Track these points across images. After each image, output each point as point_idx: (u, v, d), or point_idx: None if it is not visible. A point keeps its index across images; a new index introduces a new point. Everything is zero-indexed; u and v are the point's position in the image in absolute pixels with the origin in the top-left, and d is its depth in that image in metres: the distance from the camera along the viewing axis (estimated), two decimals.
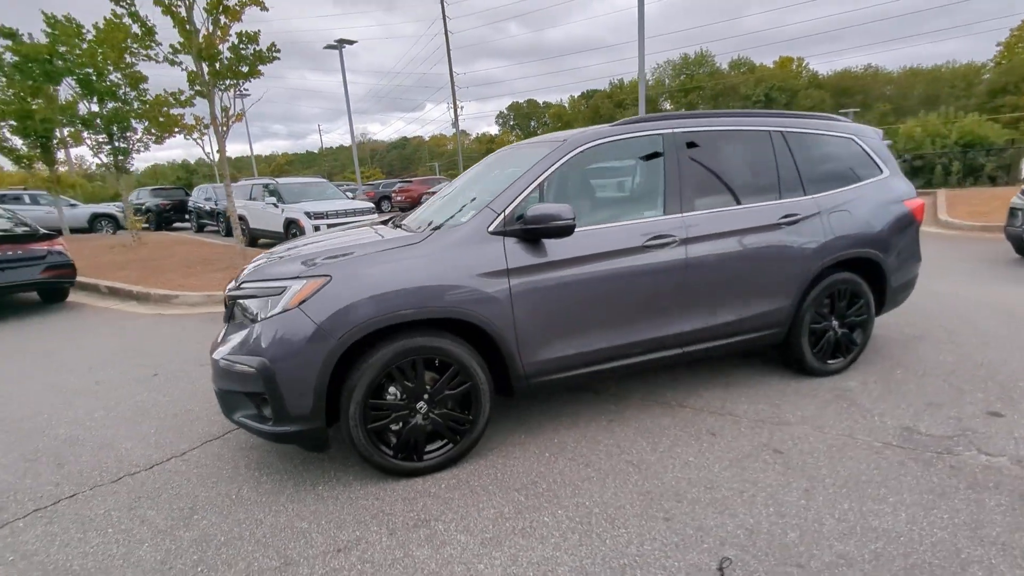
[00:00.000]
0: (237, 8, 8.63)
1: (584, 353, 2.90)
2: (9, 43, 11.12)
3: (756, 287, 3.26)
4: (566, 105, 74.76)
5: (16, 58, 10.99)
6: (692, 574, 1.96)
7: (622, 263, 2.90)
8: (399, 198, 22.43)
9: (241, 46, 8.30)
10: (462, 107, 38.43)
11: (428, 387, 2.63)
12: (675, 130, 3.16)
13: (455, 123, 39.04)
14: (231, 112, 8.64)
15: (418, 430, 2.65)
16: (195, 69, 8.22)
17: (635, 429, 3.06)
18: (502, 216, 2.72)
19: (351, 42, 21.64)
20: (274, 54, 8.61)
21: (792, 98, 47.32)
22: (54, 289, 7.41)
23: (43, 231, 7.52)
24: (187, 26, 7.99)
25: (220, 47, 8.14)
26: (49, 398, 4.04)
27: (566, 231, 2.65)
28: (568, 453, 2.85)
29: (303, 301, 2.43)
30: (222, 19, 8.27)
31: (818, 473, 2.55)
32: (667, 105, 56.03)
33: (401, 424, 2.62)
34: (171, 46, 8.14)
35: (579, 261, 2.81)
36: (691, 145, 3.17)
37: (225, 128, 8.53)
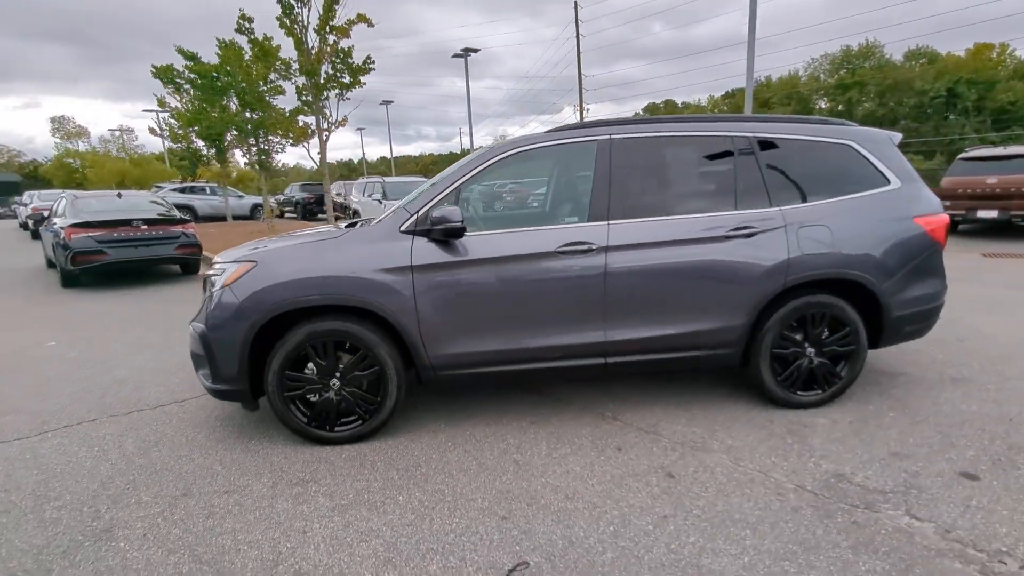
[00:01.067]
0: (345, 26, 9.79)
1: (494, 352, 3.00)
2: (191, 64, 13.76)
3: (696, 302, 3.06)
4: (706, 104, 70.66)
5: (194, 76, 13.59)
6: (483, 569, 2.02)
7: (533, 267, 2.94)
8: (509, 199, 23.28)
9: (338, 61, 9.41)
10: (588, 109, 38.33)
11: (341, 367, 2.95)
12: (612, 137, 3.09)
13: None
14: (333, 120, 9.86)
15: (330, 404, 2.97)
16: (304, 83, 9.52)
17: (549, 433, 3.08)
18: (415, 217, 2.93)
19: (475, 50, 22.90)
20: (369, 66, 9.61)
21: (987, 92, 39.56)
22: (186, 263, 9.12)
23: (179, 216, 9.27)
24: (302, 45, 9.28)
25: (325, 63, 9.33)
26: (129, 347, 5.11)
27: (454, 233, 2.79)
28: (467, 445, 2.97)
29: (233, 282, 2.89)
30: (330, 37, 9.43)
31: (691, 503, 2.38)
32: (822, 104, 50.28)
33: (317, 396, 2.97)
34: (282, 62, 9.54)
35: (488, 262, 2.92)
36: (628, 153, 3.08)
37: (327, 134, 9.77)
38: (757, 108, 56.27)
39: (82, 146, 53.23)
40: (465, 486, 2.58)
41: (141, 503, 2.51)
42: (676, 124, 3.20)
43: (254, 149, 14.13)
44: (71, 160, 43.09)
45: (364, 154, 53.28)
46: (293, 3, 8.70)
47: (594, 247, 2.94)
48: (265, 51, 9.76)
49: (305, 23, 9.13)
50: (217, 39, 13.86)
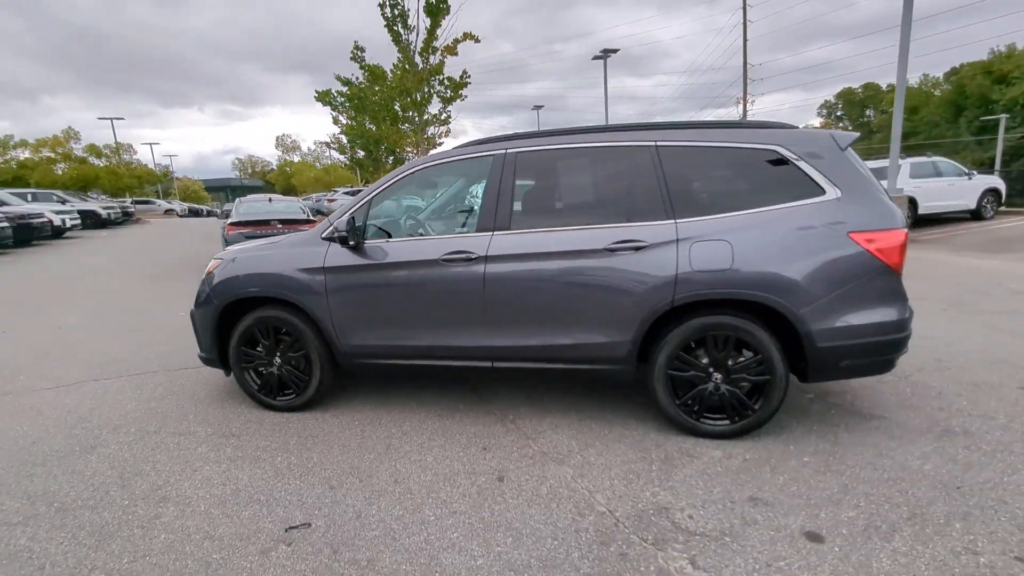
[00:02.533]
0: (452, 44, 10.75)
1: (391, 346, 3.35)
2: (345, 89, 16.20)
3: (579, 315, 3.02)
4: (916, 85, 59.14)
5: (345, 98, 16.00)
6: (276, 522, 2.42)
7: (422, 273, 3.21)
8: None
9: (438, 80, 10.40)
10: (753, 100, 35.17)
11: (281, 348, 3.58)
12: (507, 151, 3.20)
13: (743, 119, 36.33)
14: (434, 132, 10.92)
15: (273, 377, 3.61)
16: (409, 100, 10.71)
17: (441, 426, 3.32)
18: (332, 226, 3.41)
19: (614, 51, 22.67)
20: (466, 80, 10.43)
21: None
22: None
23: (309, 217, 11.08)
24: (407, 66, 10.47)
25: (424, 84, 10.39)
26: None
27: (343, 241, 3.20)
28: (367, 426, 3.36)
29: (209, 273, 3.68)
30: (435, 57, 10.47)
31: (489, 506, 2.48)
32: None
33: (265, 370, 3.64)
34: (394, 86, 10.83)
35: (385, 267, 3.27)
36: (521, 166, 3.16)
37: (431, 145, 10.85)
38: (985, 88, 45.14)
39: (296, 157, 65.06)
40: (330, 458, 2.99)
41: (121, 431, 3.41)
42: (572, 136, 3.17)
43: (391, 159, 16.08)
44: (287, 169, 53.02)
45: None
46: (400, 31, 9.89)
47: (474, 256, 3.11)
48: (375, 76, 11.20)
49: (414, 47, 10.30)
50: (368, 66, 16.06)
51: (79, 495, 2.67)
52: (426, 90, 10.60)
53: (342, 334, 3.39)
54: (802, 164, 2.84)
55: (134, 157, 49.94)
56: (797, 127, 3.05)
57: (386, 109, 14.93)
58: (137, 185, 46.20)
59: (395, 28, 10.23)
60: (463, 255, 3.13)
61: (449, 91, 10.88)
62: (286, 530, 2.37)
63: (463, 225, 3.50)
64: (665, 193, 2.95)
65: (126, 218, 28.08)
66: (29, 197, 23.00)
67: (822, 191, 2.81)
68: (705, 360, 2.94)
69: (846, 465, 2.68)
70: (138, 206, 36.89)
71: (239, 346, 3.61)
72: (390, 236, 3.44)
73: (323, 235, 3.43)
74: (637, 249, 2.91)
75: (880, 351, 2.82)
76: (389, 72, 11.63)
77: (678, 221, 2.91)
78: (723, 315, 2.86)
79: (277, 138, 76.14)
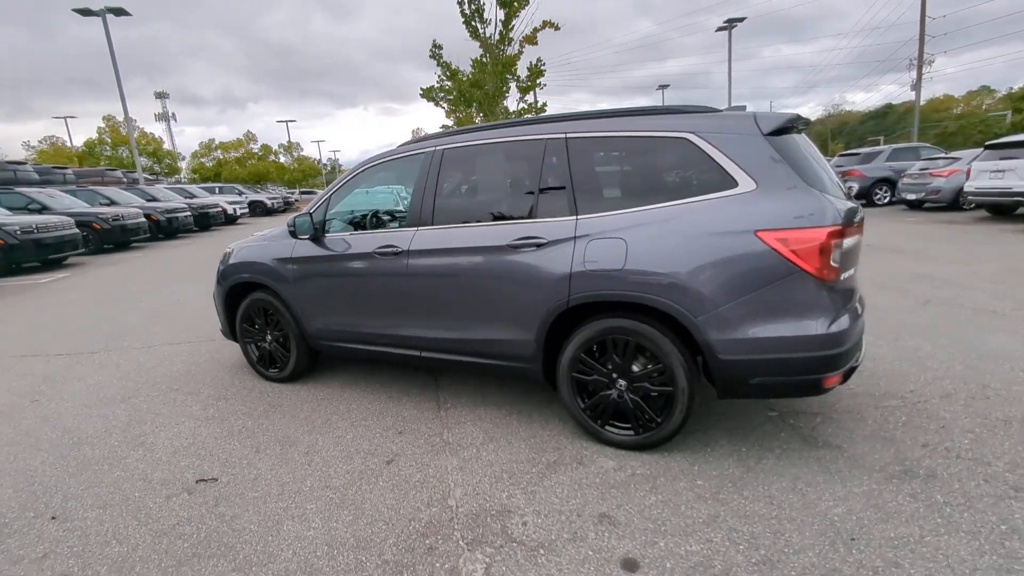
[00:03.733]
0: (532, 34, 10.76)
1: (341, 332, 3.66)
2: (447, 79, 16.98)
3: (486, 311, 3.02)
4: None
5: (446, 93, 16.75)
6: (192, 471, 2.87)
7: (361, 265, 3.44)
8: None
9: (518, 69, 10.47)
10: (930, 62, 29.41)
11: (269, 327, 4.09)
12: (436, 148, 3.25)
13: (916, 84, 30.60)
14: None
15: (266, 352, 4.16)
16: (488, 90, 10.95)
17: (381, 407, 3.55)
18: (291, 219, 3.79)
19: (740, 19, 20.63)
20: (540, 67, 10.38)
21: None
22: None
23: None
24: (484, 59, 10.71)
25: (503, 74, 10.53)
26: None
27: (293, 235, 3.54)
28: (326, 402, 3.72)
29: (221, 260, 4.32)
30: (511, 48, 10.58)
31: (352, 487, 2.66)
32: None
33: (262, 344, 4.20)
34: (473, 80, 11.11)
35: (336, 259, 3.57)
36: (448, 163, 3.20)
37: None
38: None
39: None
40: (276, 425, 3.39)
41: (155, 387, 4.19)
42: (494, 131, 3.12)
43: None
44: None
45: None
46: (477, 25, 10.13)
47: (399, 250, 3.26)
48: (453, 73, 11.56)
49: (492, 40, 10.51)
50: (439, 62, 16.47)
51: (92, 434, 3.41)
52: (500, 83, 10.77)
53: (305, 318, 3.79)
54: (714, 153, 2.51)
55: (301, 153, 57.88)
56: (719, 110, 2.68)
57: (486, 100, 15.40)
58: (302, 178, 53.55)
59: (472, 23, 10.54)
60: (392, 249, 3.30)
61: (527, 80, 10.93)
62: (196, 481, 2.80)
63: (398, 220, 3.67)
64: (571, 188, 2.81)
65: (287, 207, 32.67)
66: (216, 190, 27.78)
67: (734, 183, 2.46)
68: (609, 365, 2.77)
69: (739, 495, 2.38)
70: (303, 195, 42.58)
71: (241, 323, 4.21)
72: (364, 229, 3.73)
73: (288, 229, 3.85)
74: (539, 246, 2.83)
75: (800, 370, 2.41)
76: (469, 68, 11.98)
77: (579, 217, 2.76)
78: (622, 319, 2.67)
79: (412, 131, 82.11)
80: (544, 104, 15.09)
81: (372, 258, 3.39)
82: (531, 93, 11.45)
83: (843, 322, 2.38)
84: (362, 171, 3.65)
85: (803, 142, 2.64)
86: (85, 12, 19.77)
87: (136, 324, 6.23)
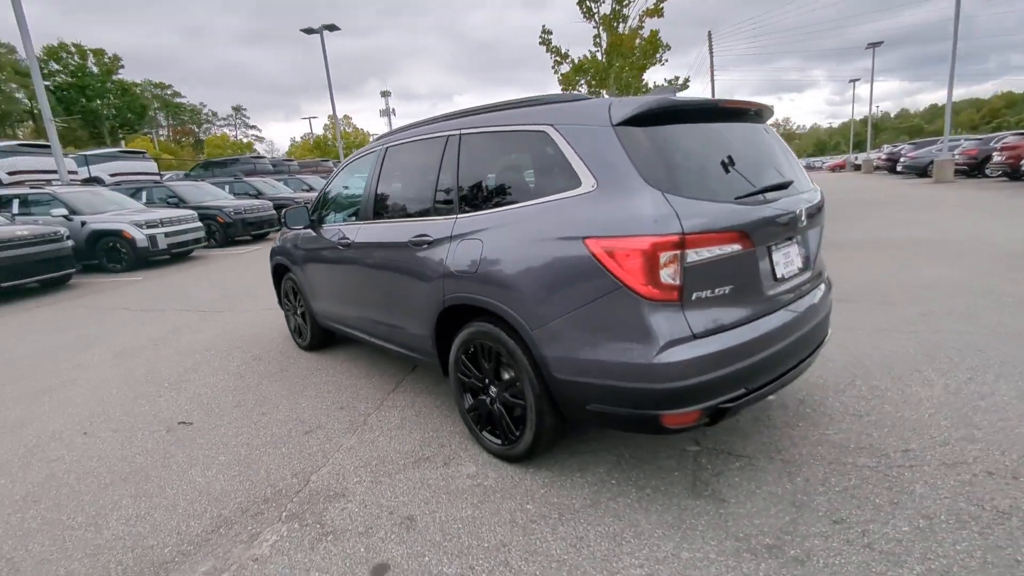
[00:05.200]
0: (655, 7, 10.00)
1: (327, 312, 4.10)
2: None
3: (398, 305, 3.14)
4: None
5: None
6: (177, 415, 3.59)
7: (332, 255, 3.81)
8: (1000, 158, 15.50)
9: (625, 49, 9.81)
10: None
11: (297, 303, 4.76)
12: (384, 145, 3.40)
13: None
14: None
15: (298, 324, 4.86)
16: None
17: (347, 387, 3.91)
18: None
19: None
20: (659, 41, 9.55)
21: None
22: None
23: None
24: (598, 40, 10.24)
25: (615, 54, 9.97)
26: None
27: (284, 225, 4.02)
28: (325, 372, 4.24)
29: (273, 241, 5.12)
30: (625, 26, 9.97)
31: (254, 440, 3.05)
32: None
33: (293, 317, 4.91)
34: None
35: (319, 248, 4.00)
36: (389, 160, 3.34)
37: None
38: None
39: None
40: (267, 386, 4.00)
41: (226, 343, 5.20)
42: (421, 128, 3.13)
43: None
44: None
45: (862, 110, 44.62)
46: (591, 5, 9.66)
47: (348, 242, 3.53)
48: (562, 57, 11.09)
49: (600, 18, 9.96)
50: (548, 48, 15.73)
51: (156, 376, 4.44)
52: (629, 61, 10.09)
53: (311, 298, 4.34)
54: (565, 147, 2.23)
55: None
56: (588, 98, 2.32)
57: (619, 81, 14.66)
58: None
59: (586, 3, 10.03)
60: (345, 240, 3.60)
61: (642, 58, 10.03)
62: (179, 423, 3.51)
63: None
64: (456, 186, 2.75)
65: None
66: None
67: (578, 182, 2.16)
68: (483, 371, 2.68)
69: (552, 530, 2.15)
70: None
71: (283, 297, 4.97)
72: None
73: None
74: (429, 244, 2.84)
75: (631, 402, 2.05)
76: (587, 52, 11.37)
77: (458, 217, 2.69)
78: (487, 324, 2.55)
79: None
80: (687, 79, 13.74)
81: (337, 248, 3.74)
82: (655, 67, 10.62)
83: (680, 352, 1.95)
84: (345, 168, 4.00)
85: (676, 133, 2.17)
86: (308, 31, 24.01)
87: (240, 293, 7.62)
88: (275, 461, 2.90)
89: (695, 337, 1.98)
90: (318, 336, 4.61)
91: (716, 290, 2.04)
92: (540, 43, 10.88)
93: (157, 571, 2.12)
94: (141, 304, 7.36)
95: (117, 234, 10.27)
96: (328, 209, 4.12)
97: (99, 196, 11.55)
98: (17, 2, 12.07)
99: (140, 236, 10.28)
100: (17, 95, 46.01)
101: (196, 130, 74.64)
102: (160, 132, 71.05)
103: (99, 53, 54.91)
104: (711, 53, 27.99)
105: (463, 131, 2.79)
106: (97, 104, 54.42)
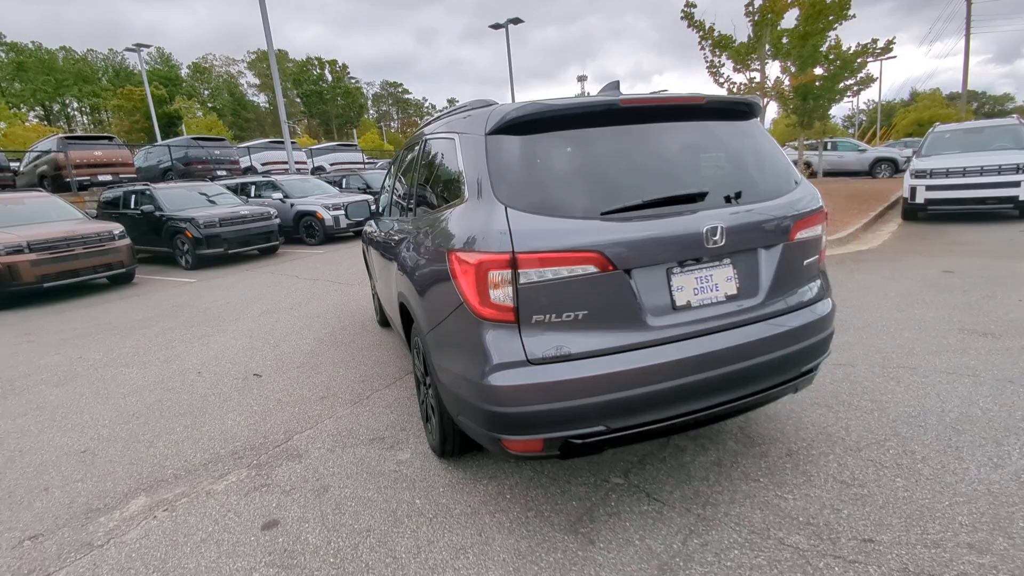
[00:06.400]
0: None
1: (378, 295, 4.60)
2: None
3: (387, 296, 3.42)
4: None
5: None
6: (256, 365, 4.45)
7: (374, 242, 4.25)
8: None
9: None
10: None
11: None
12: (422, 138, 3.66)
13: None
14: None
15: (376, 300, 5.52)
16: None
17: (378, 360, 4.37)
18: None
19: None
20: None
21: None
22: None
23: None
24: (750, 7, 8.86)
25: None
26: None
27: (348, 217, 4.55)
28: (372, 347, 4.80)
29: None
30: None
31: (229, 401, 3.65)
32: None
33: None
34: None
35: (371, 238, 4.48)
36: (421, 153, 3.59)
37: (773, 92, 8.97)
38: None
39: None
40: (330, 354, 4.69)
41: (337, 316, 6.16)
42: (427, 125, 3.25)
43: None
44: None
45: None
46: None
47: (372, 233, 3.92)
48: (707, 33, 9.50)
49: None
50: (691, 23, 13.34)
51: (272, 335, 5.51)
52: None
53: (373, 280, 4.91)
54: (459, 156, 2.21)
55: None
56: (494, 103, 2.20)
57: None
58: None
59: None
60: (373, 231, 4.01)
61: (811, 22, 8.09)
62: (253, 374, 4.37)
63: None
64: (415, 186, 2.90)
65: None
66: None
67: (463, 191, 2.14)
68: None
69: (394, 529, 2.23)
70: None
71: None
72: None
73: None
74: (396, 243, 3.07)
75: (478, 420, 1.99)
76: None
77: (411, 217, 2.86)
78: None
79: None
80: (892, 39, 10.87)
81: (372, 238, 4.18)
82: (838, 28, 8.66)
83: (513, 376, 1.84)
84: (388, 163, 4.40)
85: (553, 141, 1.97)
86: (496, 26, 25.59)
87: (355, 273, 8.70)
88: (282, 418, 3.48)
89: (530, 363, 1.86)
90: (380, 312, 5.19)
91: (563, 315, 1.86)
92: (682, 18, 9.67)
93: (156, 485, 2.80)
94: (305, 273, 9.02)
95: (312, 214, 12.59)
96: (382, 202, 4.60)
97: (307, 183, 14.24)
98: (268, 36, 15.36)
99: (328, 217, 12.44)
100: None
101: (419, 122, 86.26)
102: (391, 124, 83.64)
103: (332, 63, 66.65)
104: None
105: (427, 135, 2.92)
106: (329, 106, 66.01)
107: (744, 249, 2.08)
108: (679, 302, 1.98)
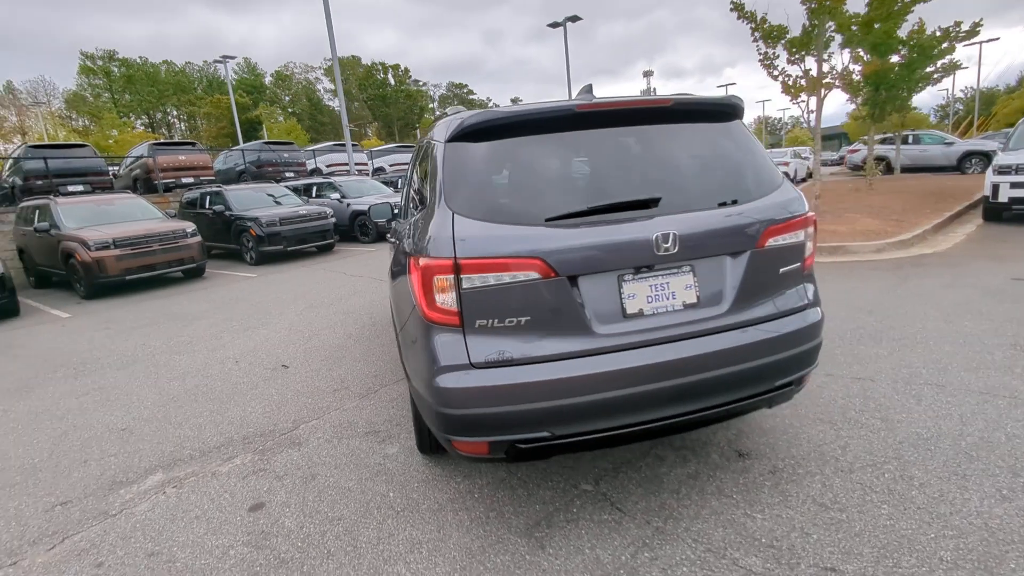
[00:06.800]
0: None
1: None
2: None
3: None
4: None
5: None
6: (228, 358, 4.75)
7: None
8: None
9: None
10: None
11: None
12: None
13: None
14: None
15: None
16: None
17: (380, 360, 4.52)
18: None
19: None
20: None
21: None
22: None
23: None
24: None
25: None
26: None
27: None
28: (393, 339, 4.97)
29: None
30: None
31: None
32: None
33: None
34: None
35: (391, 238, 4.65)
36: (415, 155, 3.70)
37: (828, 88, 8.32)
38: None
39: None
40: (358, 347, 4.92)
41: (369, 311, 6.43)
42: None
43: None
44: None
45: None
46: None
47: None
48: (757, 24, 8.77)
49: None
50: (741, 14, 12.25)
51: (309, 329, 5.84)
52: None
53: None
54: (434, 161, 2.27)
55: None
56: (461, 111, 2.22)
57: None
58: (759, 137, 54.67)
59: None
60: (390, 233, 4.16)
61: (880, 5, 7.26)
62: (282, 365, 4.67)
63: None
64: (417, 186, 3.00)
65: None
66: None
67: (429, 199, 2.20)
68: None
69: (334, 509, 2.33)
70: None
71: None
72: None
73: None
74: (398, 240, 3.17)
75: (432, 421, 2.05)
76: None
77: (408, 217, 2.94)
78: None
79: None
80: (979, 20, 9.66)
81: (390, 242, 4.33)
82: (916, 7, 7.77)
83: (457, 379, 1.88)
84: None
85: (505, 148, 1.98)
86: (554, 25, 25.51)
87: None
88: (295, 407, 3.70)
89: (473, 366, 1.89)
90: None
91: (507, 320, 1.87)
92: (731, 10, 9.01)
93: (173, 463, 3.08)
94: (353, 270, 9.45)
95: (365, 214, 13.14)
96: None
97: (364, 184, 14.88)
98: (333, 46, 16.17)
99: None
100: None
101: None
102: None
103: (396, 67, 68.94)
104: None
105: (424, 141, 3.00)
106: (392, 109, 68.25)
107: (705, 256, 2.00)
108: (630, 310, 1.94)
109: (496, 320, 1.89)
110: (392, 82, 70.42)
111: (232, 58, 34.78)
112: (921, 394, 2.98)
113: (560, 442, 1.92)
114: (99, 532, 2.46)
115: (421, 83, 76.21)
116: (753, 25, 8.33)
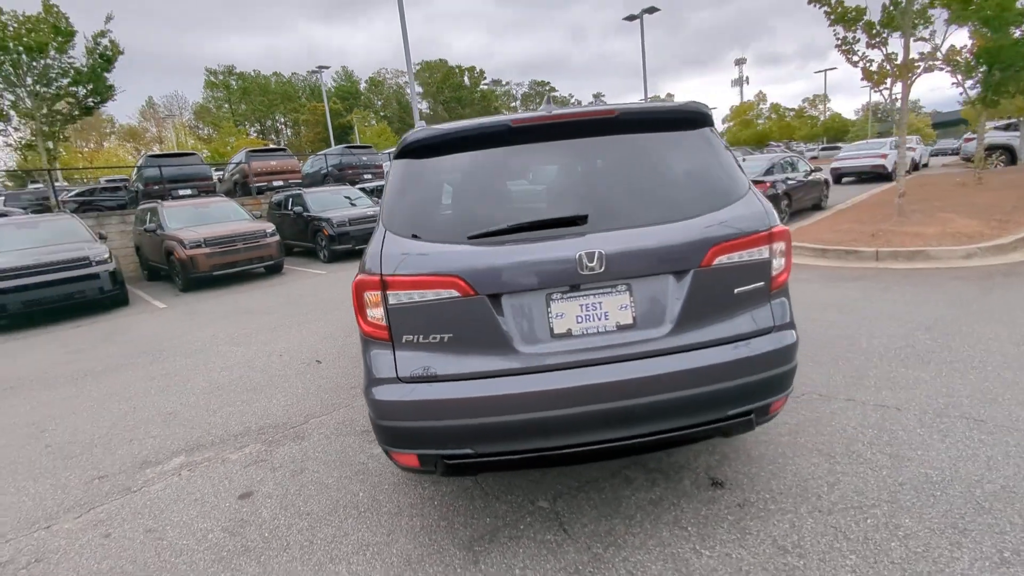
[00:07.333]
0: None
1: None
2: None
3: None
4: None
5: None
6: (320, 352, 5.06)
7: None
8: None
9: None
10: None
11: None
12: None
13: None
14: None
15: None
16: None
17: None
18: None
19: None
20: None
21: None
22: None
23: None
24: None
25: None
26: None
27: None
28: None
29: None
30: None
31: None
32: None
33: None
34: None
35: None
36: None
37: (911, 74, 7.30)
38: None
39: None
40: None
41: None
42: None
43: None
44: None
45: None
46: None
47: None
48: (832, 7, 7.64)
49: None
50: None
51: (347, 328, 6.18)
52: None
53: None
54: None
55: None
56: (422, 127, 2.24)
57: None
58: (822, 132, 50.30)
59: None
60: None
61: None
62: (315, 361, 4.99)
63: None
64: None
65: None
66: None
67: None
68: None
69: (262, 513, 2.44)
70: (823, 152, 37.91)
71: None
72: None
73: None
74: None
75: (373, 427, 2.12)
76: None
77: None
78: None
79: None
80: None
81: None
82: None
83: (387, 392, 1.93)
84: None
85: (441, 164, 1.98)
86: (630, 18, 24.78)
87: None
88: (312, 402, 3.95)
89: (400, 380, 1.93)
90: None
91: (430, 336, 1.89)
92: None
93: (195, 448, 3.42)
94: None
95: None
96: None
97: None
98: (407, 52, 16.84)
99: None
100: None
101: None
102: None
103: (471, 69, 69.99)
104: None
105: None
106: (467, 110, 69.45)
107: (643, 275, 1.89)
108: (558, 330, 1.88)
109: (421, 336, 1.92)
110: (467, 83, 72.01)
111: (327, 68, 37.35)
112: (950, 429, 2.60)
113: (483, 460, 1.92)
114: (117, 506, 2.80)
115: (504, 83, 77.25)
116: (827, 9, 7.54)
